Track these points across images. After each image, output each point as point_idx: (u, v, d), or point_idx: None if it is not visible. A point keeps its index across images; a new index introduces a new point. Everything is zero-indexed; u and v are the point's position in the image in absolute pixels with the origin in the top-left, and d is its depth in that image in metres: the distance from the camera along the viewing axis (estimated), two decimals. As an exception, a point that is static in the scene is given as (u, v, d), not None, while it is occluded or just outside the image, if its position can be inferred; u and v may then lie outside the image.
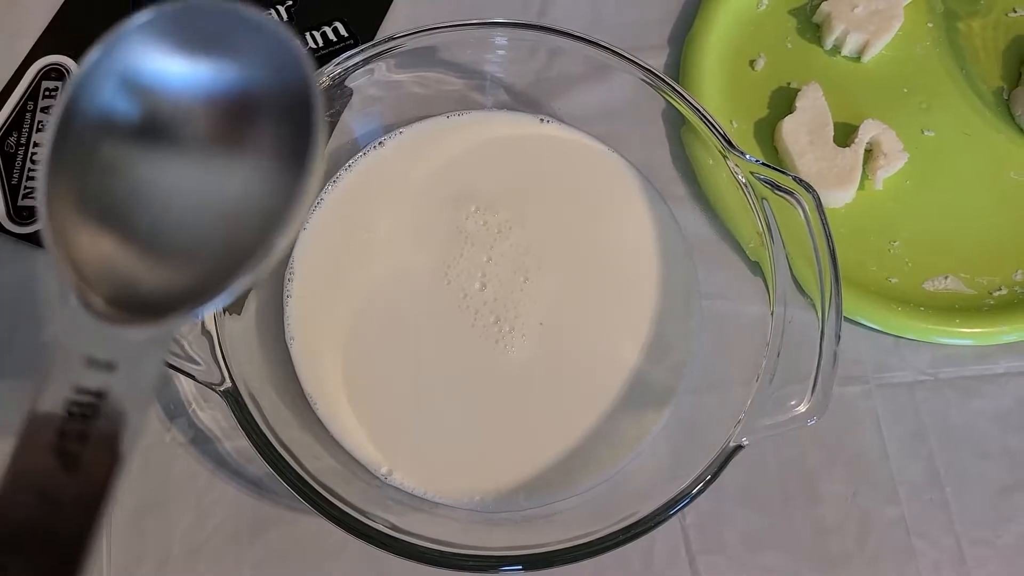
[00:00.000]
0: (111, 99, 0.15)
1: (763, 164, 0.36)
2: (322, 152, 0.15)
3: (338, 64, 0.37)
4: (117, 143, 0.15)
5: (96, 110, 0.15)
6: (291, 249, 0.39)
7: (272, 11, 0.46)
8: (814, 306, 0.34)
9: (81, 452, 0.14)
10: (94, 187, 0.15)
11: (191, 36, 0.15)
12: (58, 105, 0.15)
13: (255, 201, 0.15)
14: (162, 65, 0.15)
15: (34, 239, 0.40)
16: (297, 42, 0.15)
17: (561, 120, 0.42)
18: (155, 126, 0.15)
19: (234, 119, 0.15)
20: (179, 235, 0.15)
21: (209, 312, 0.17)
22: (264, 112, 0.15)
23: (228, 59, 0.15)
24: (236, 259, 0.14)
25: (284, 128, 0.15)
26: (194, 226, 0.15)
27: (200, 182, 0.15)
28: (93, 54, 0.15)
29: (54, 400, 0.15)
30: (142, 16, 0.15)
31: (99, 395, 0.14)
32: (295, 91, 0.15)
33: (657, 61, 0.46)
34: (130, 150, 0.15)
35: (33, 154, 0.42)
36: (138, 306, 0.15)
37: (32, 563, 0.13)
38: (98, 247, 0.15)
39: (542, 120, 0.42)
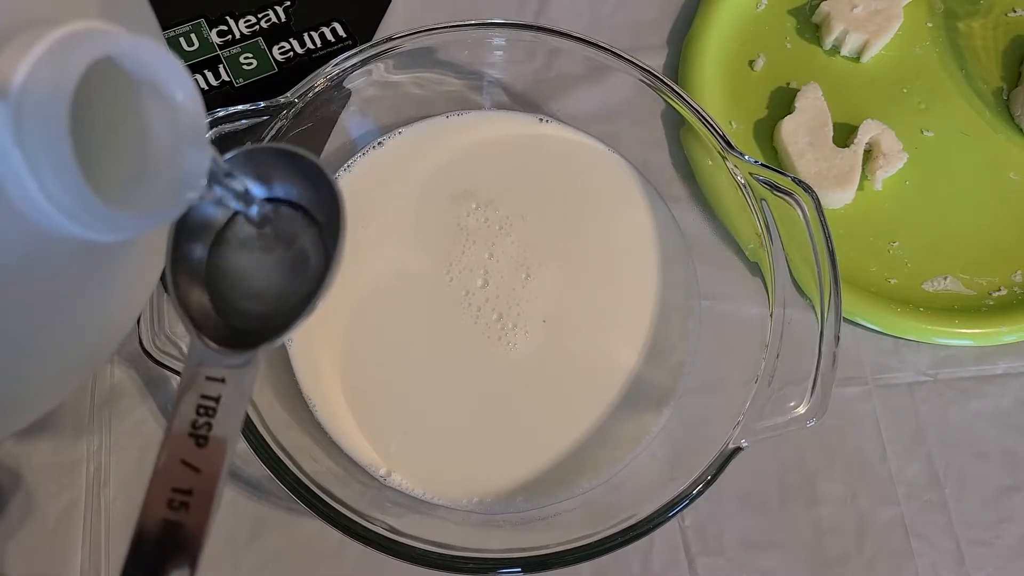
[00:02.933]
0: (207, 208, 0.23)
1: (762, 165, 0.36)
2: (345, 241, 0.23)
3: (336, 65, 0.37)
4: (212, 235, 0.24)
5: (198, 215, 0.23)
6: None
7: (270, 11, 0.46)
8: (813, 307, 0.34)
9: (207, 436, 0.22)
10: (199, 264, 0.23)
11: (257, 165, 0.23)
12: (172, 225, 0.23)
13: (305, 268, 0.23)
14: (250, 181, 0.23)
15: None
16: (326, 170, 0.23)
17: (560, 120, 0.42)
18: (236, 223, 0.24)
19: (288, 219, 0.24)
20: (256, 293, 0.24)
21: (280, 343, 0.24)
22: (306, 214, 0.23)
23: (282, 179, 0.24)
24: (296, 306, 0.22)
25: (322, 222, 0.23)
26: (266, 286, 0.24)
27: (269, 258, 0.24)
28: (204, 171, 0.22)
29: (188, 405, 0.22)
30: (230, 154, 0.23)
31: (216, 399, 0.22)
32: (328, 201, 0.23)
33: (656, 61, 0.46)
34: (222, 241, 0.24)
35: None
36: (235, 341, 0.23)
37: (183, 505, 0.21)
38: (204, 303, 0.23)
39: (541, 120, 0.42)
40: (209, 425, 0.22)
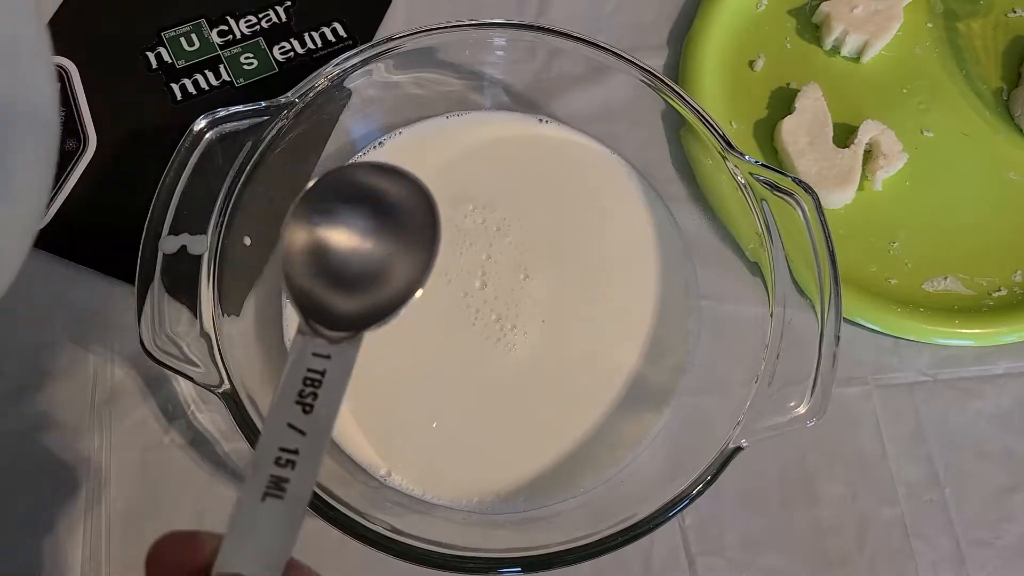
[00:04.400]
0: (317, 210, 0.26)
1: (762, 165, 0.36)
2: (440, 241, 0.26)
3: (337, 65, 0.37)
4: (321, 235, 0.26)
5: (307, 215, 0.26)
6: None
7: (270, 11, 0.46)
8: (813, 307, 0.34)
9: (313, 404, 0.24)
10: (309, 261, 0.26)
11: (359, 178, 0.27)
12: (293, 204, 0.26)
13: (403, 265, 0.26)
14: (350, 190, 0.27)
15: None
16: (418, 179, 0.27)
17: (560, 121, 0.42)
18: (346, 221, 0.27)
19: (391, 218, 0.27)
20: (360, 283, 0.26)
21: (379, 328, 0.26)
22: (405, 214, 0.27)
23: (383, 185, 0.27)
24: (395, 296, 0.26)
25: (419, 224, 0.26)
26: (369, 279, 0.26)
27: (370, 254, 0.27)
28: (310, 183, 0.26)
29: (296, 376, 0.24)
30: (334, 169, 0.27)
31: (321, 373, 0.25)
32: (422, 202, 0.26)
33: (656, 62, 0.46)
34: (331, 233, 0.26)
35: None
36: (339, 324, 0.26)
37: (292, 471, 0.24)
38: (313, 288, 0.26)
39: (541, 120, 0.42)
40: (315, 395, 0.24)
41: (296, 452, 0.24)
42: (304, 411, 0.24)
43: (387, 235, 0.27)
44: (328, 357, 0.25)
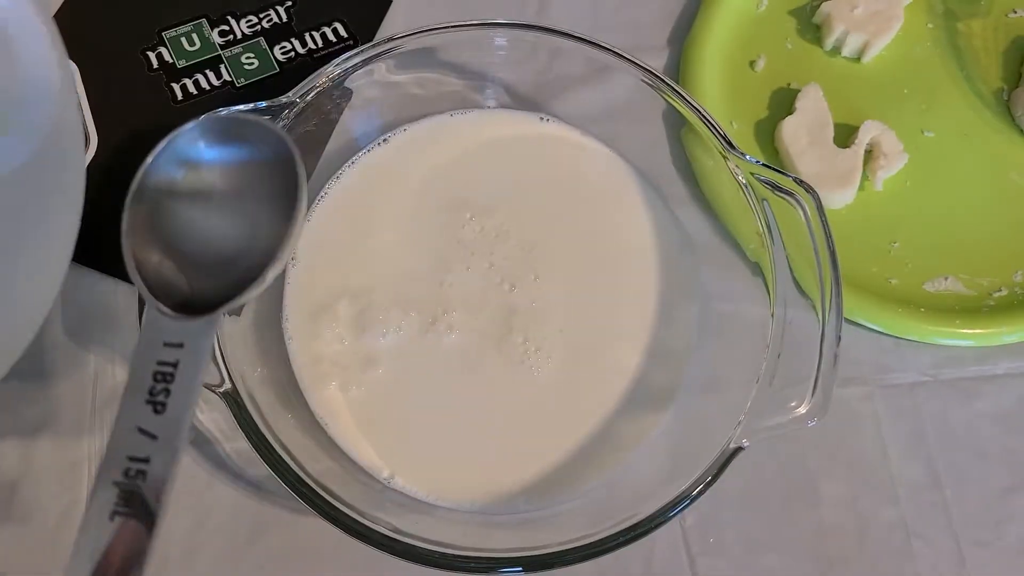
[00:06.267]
0: (168, 171, 0.24)
1: (763, 165, 0.36)
2: (304, 208, 0.23)
3: (338, 65, 0.37)
4: (172, 200, 0.24)
5: (158, 179, 0.24)
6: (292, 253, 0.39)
7: (271, 11, 0.46)
8: (814, 307, 0.34)
9: (165, 402, 0.22)
10: (157, 230, 0.23)
11: (219, 133, 0.24)
12: (135, 179, 0.24)
13: (264, 235, 0.23)
14: (202, 150, 0.24)
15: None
16: (283, 133, 0.24)
17: (561, 121, 0.42)
18: (198, 187, 0.24)
19: (249, 182, 0.24)
20: (214, 259, 0.24)
21: (237, 305, 0.23)
22: (266, 177, 0.24)
23: (242, 145, 0.24)
24: (253, 272, 0.23)
25: (280, 188, 0.23)
26: (223, 253, 0.24)
27: (227, 223, 0.24)
28: (160, 144, 0.24)
29: (144, 372, 0.22)
30: (189, 124, 0.24)
31: (174, 365, 0.22)
32: (286, 163, 0.23)
33: (657, 62, 0.46)
34: (181, 204, 0.24)
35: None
36: (191, 307, 0.23)
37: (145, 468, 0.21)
38: (162, 270, 0.23)
39: (543, 119, 0.42)
40: (167, 391, 0.22)
41: (147, 460, 0.21)
42: (155, 411, 0.21)
43: (243, 200, 0.24)
44: (181, 346, 0.22)
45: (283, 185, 0.23)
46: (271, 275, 0.23)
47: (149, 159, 0.24)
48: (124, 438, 0.21)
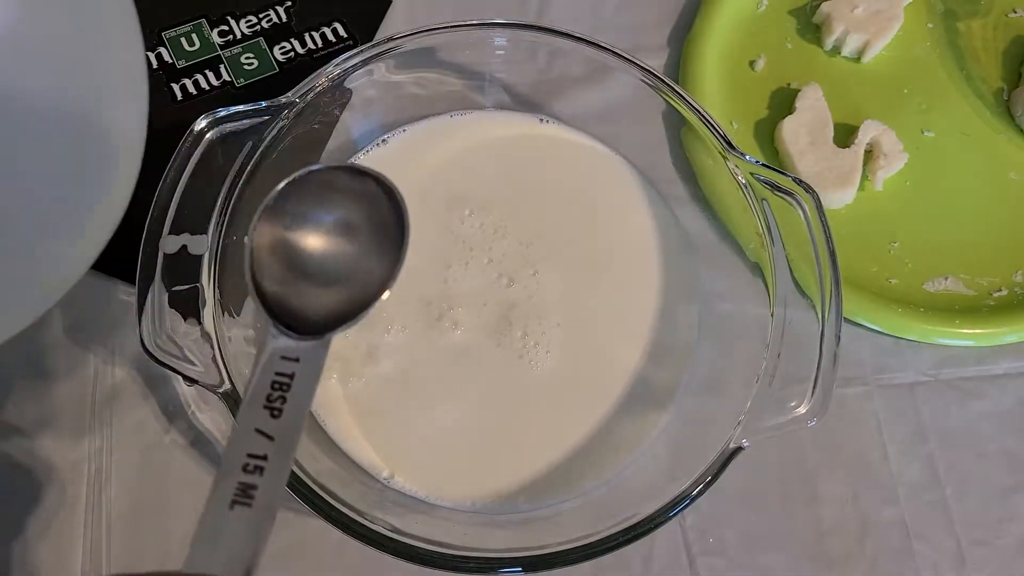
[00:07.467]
0: (285, 212, 0.27)
1: (763, 165, 0.36)
2: (408, 239, 0.26)
3: (337, 65, 0.37)
4: (290, 235, 0.27)
5: (276, 217, 0.27)
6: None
7: (271, 11, 0.46)
8: (814, 307, 0.34)
9: (281, 408, 0.24)
10: (278, 263, 0.26)
11: (326, 183, 0.27)
12: (253, 222, 0.26)
13: (368, 267, 0.27)
14: (318, 192, 0.27)
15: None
16: (389, 180, 0.27)
17: (561, 121, 0.42)
18: (311, 227, 0.27)
19: (358, 221, 0.27)
20: (328, 285, 0.27)
21: (349, 330, 0.26)
22: (373, 215, 0.27)
23: (350, 189, 0.27)
24: (362, 299, 0.26)
25: (387, 225, 0.27)
26: (338, 280, 0.27)
27: (339, 256, 0.27)
28: (279, 186, 0.27)
29: (264, 380, 0.24)
30: (301, 171, 0.27)
31: (290, 376, 0.25)
32: (391, 202, 0.27)
33: (657, 62, 0.46)
34: (297, 238, 0.27)
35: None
36: (307, 327, 0.26)
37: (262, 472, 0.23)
38: (280, 292, 0.26)
39: (542, 120, 0.42)
40: (283, 399, 0.24)
41: (264, 458, 0.23)
42: (272, 415, 0.24)
43: (355, 236, 0.27)
44: (297, 360, 0.25)
45: (387, 221, 0.26)
46: (382, 299, 0.26)
47: (269, 199, 0.27)
48: (244, 438, 0.23)
